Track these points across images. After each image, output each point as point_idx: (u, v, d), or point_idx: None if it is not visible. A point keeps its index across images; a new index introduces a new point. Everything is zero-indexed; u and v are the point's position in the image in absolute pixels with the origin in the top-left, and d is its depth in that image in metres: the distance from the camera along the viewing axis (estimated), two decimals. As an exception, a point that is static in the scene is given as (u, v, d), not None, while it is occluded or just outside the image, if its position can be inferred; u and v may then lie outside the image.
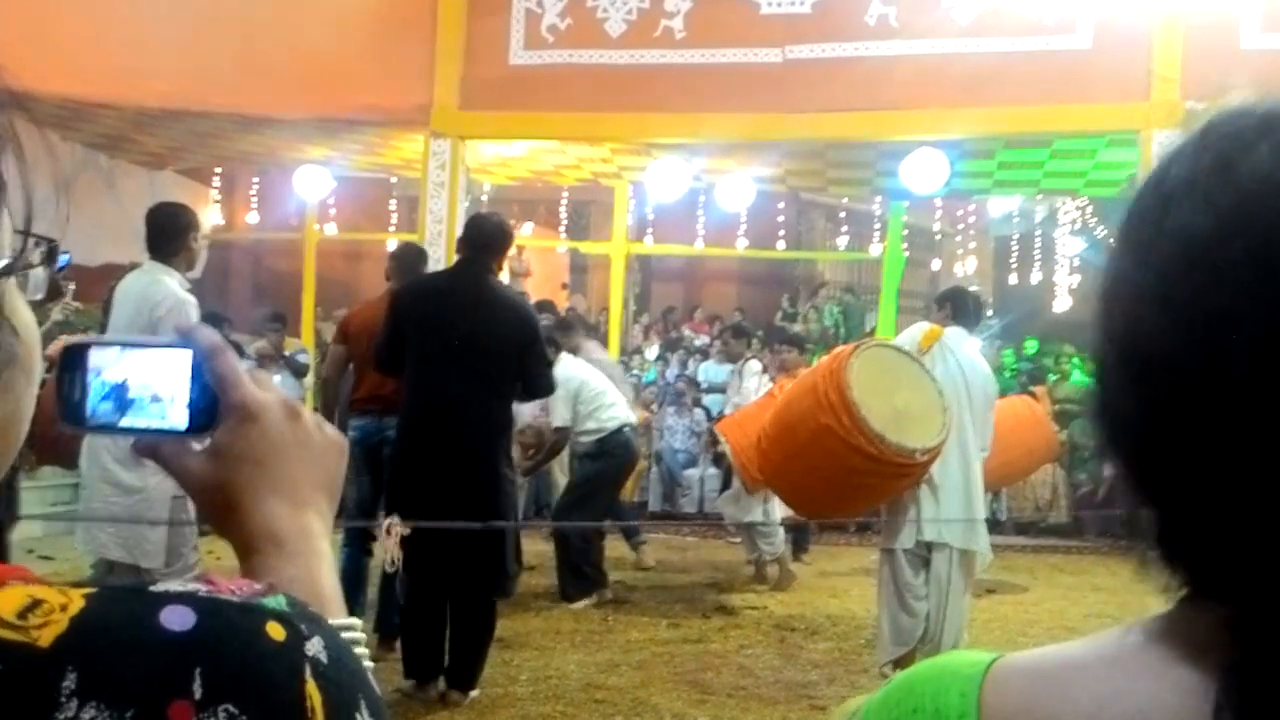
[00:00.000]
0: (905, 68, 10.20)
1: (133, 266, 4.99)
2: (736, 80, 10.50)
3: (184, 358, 0.76)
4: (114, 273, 8.28)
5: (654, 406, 11.56)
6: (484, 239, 4.84)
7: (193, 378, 0.76)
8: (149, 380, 0.76)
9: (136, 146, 12.49)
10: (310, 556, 0.75)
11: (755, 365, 8.33)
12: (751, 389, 8.02)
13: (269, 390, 0.78)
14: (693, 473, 10.90)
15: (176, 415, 0.76)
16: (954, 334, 5.49)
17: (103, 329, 4.87)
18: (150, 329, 4.48)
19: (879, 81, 10.19)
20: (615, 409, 7.19)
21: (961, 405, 5.28)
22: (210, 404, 0.76)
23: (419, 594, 4.74)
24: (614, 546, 9.30)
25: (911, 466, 4.92)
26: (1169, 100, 9.77)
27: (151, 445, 0.77)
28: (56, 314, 5.93)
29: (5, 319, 0.63)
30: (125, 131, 11.71)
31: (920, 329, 5.58)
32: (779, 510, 7.68)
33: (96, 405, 0.76)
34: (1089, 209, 17.02)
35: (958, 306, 5.71)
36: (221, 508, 0.76)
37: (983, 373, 5.60)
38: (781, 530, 8.01)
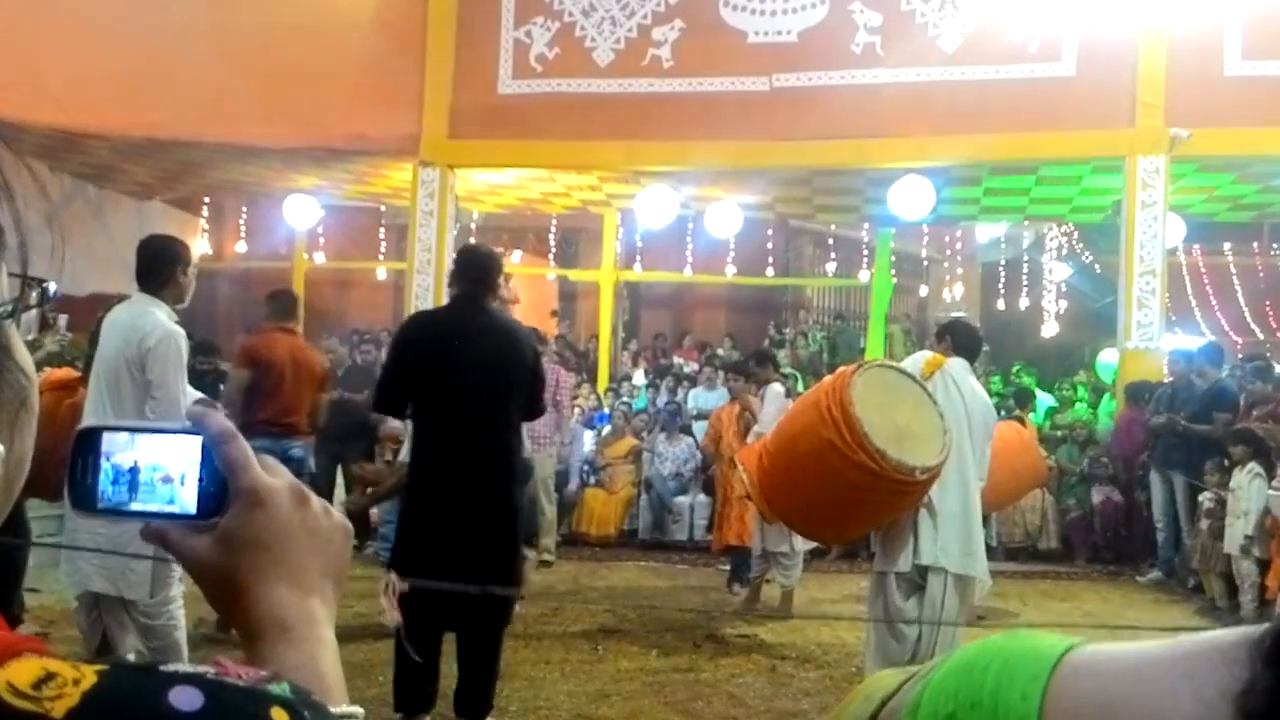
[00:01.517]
0: (891, 95, 10.28)
1: (121, 298, 4.98)
2: (724, 108, 10.57)
3: (194, 443, 0.77)
4: (102, 303, 8.25)
5: (644, 434, 11.54)
6: (478, 270, 4.75)
7: (202, 463, 0.77)
8: (159, 465, 0.77)
9: (125, 177, 12.49)
10: (314, 643, 0.76)
11: (777, 388, 8.08)
12: (772, 414, 7.74)
13: (278, 476, 0.79)
14: (683, 500, 10.88)
15: (186, 500, 0.77)
16: (956, 364, 5.51)
17: (89, 361, 4.85)
18: (139, 360, 4.47)
19: (865, 109, 10.27)
20: None
21: (962, 433, 5.29)
22: (219, 489, 0.77)
23: (412, 628, 4.65)
24: (604, 575, 9.26)
25: (911, 484, 4.93)
26: (1153, 126, 9.85)
27: (160, 530, 0.77)
28: (50, 345, 5.92)
29: (15, 362, 0.65)
30: (114, 162, 11.72)
31: (923, 356, 5.60)
32: (802, 542, 7.66)
33: (107, 488, 0.76)
34: (1075, 234, 17.13)
35: (958, 339, 5.73)
36: (228, 593, 0.76)
37: (983, 402, 5.62)
38: (801, 562, 8.01)
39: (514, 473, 4.73)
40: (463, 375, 4.53)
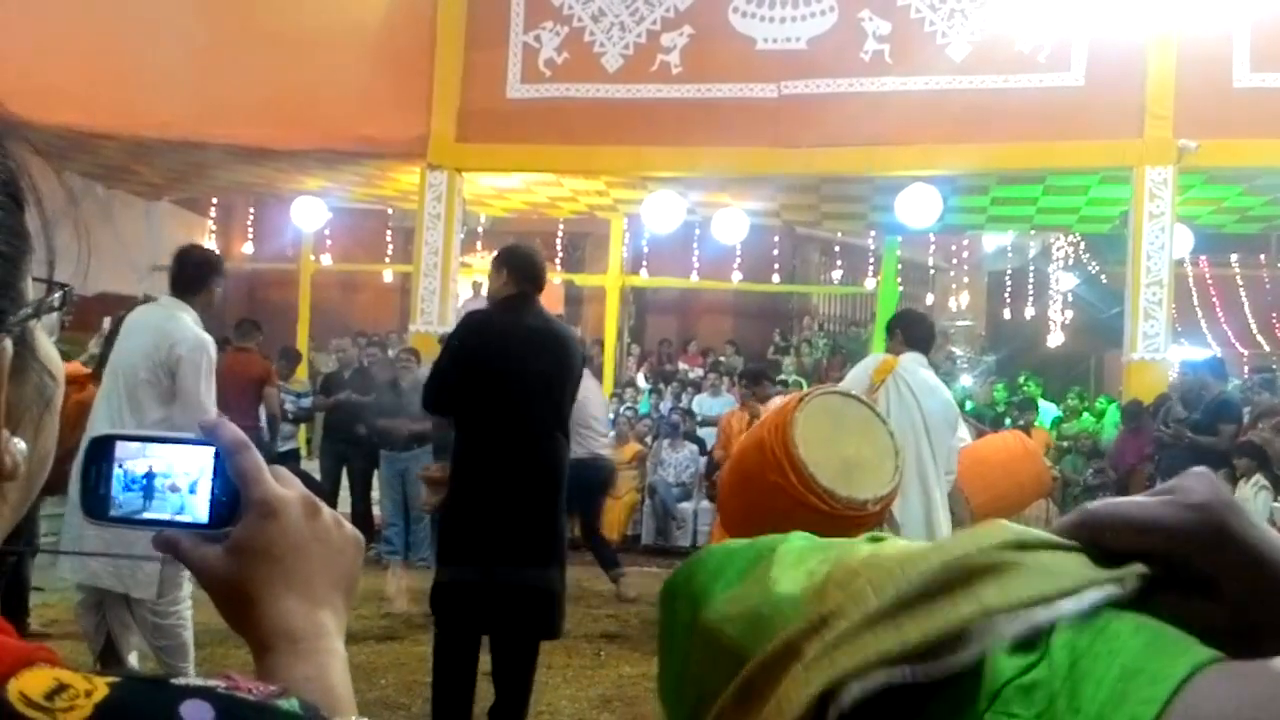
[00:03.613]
0: (900, 104, 10.27)
1: (145, 299, 5.05)
2: (732, 115, 10.57)
3: (206, 453, 0.77)
4: (110, 302, 8.29)
5: (648, 439, 11.54)
6: (531, 269, 4.67)
7: (215, 473, 0.77)
8: (171, 474, 0.77)
9: (134, 177, 12.52)
10: (324, 655, 0.76)
11: (779, 403, 8.14)
12: None
13: (290, 487, 0.79)
14: (686, 506, 10.87)
15: (198, 510, 0.77)
16: (908, 361, 5.40)
17: (103, 360, 4.87)
18: (167, 364, 4.49)
19: (873, 117, 10.26)
20: None
21: (919, 436, 5.21)
22: (231, 499, 0.77)
23: (455, 645, 4.54)
24: (607, 580, 9.25)
25: (865, 517, 4.84)
26: (1161, 137, 9.84)
27: (171, 539, 0.78)
28: (93, 347, 6.01)
29: (39, 362, 0.65)
30: (123, 162, 11.74)
31: (873, 362, 5.52)
32: None
33: (119, 497, 0.77)
34: (1082, 244, 17.11)
35: (909, 332, 5.61)
36: (238, 604, 0.77)
37: (940, 398, 5.48)
38: None
39: (564, 475, 4.69)
40: (524, 378, 4.48)
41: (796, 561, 0.68)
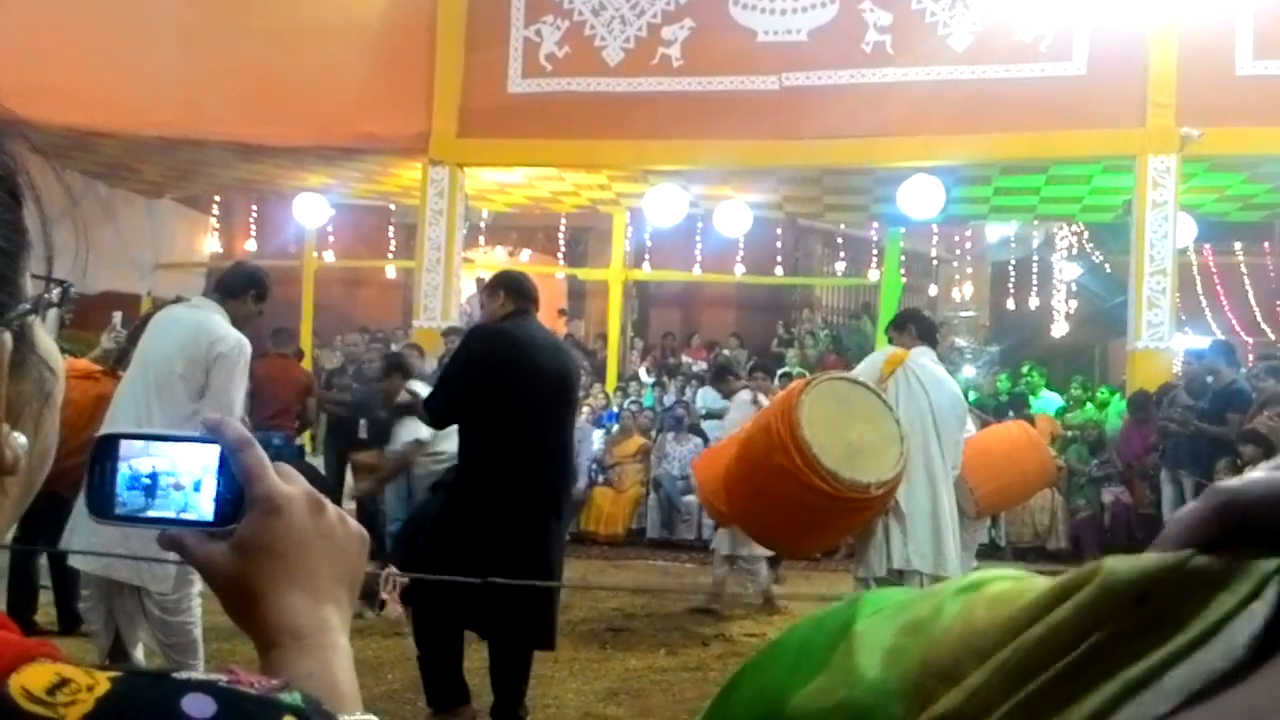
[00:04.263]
0: (902, 94, 10.26)
1: (177, 299, 5.13)
2: (734, 107, 10.56)
3: (211, 451, 0.77)
4: (113, 301, 8.31)
5: (651, 433, 11.55)
6: (529, 289, 4.88)
7: (219, 470, 0.77)
8: (176, 472, 0.77)
9: (135, 175, 12.53)
10: (328, 651, 0.76)
11: (744, 396, 8.18)
12: (735, 421, 7.85)
13: (294, 483, 0.79)
14: (691, 499, 10.87)
15: (202, 507, 0.77)
16: (919, 355, 5.42)
17: (125, 355, 4.89)
18: (204, 360, 4.51)
19: (875, 108, 10.25)
20: None
21: (927, 428, 5.23)
22: (236, 497, 0.77)
23: (438, 628, 4.66)
24: (612, 574, 9.26)
25: (868, 500, 4.85)
26: (1164, 126, 9.82)
27: (176, 537, 0.78)
28: (107, 342, 6.07)
29: (38, 356, 0.66)
30: (124, 160, 11.75)
31: (883, 355, 5.55)
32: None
33: (124, 496, 0.77)
34: (1085, 234, 17.09)
35: (921, 326, 5.70)
36: (243, 600, 0.77)
37: (949, 392, 5.51)
38: (764, 566, 7.95)
39: (569, 477, 4.87)
40: (538, 388, 4.61)
41: (876, 638, 0.62)
